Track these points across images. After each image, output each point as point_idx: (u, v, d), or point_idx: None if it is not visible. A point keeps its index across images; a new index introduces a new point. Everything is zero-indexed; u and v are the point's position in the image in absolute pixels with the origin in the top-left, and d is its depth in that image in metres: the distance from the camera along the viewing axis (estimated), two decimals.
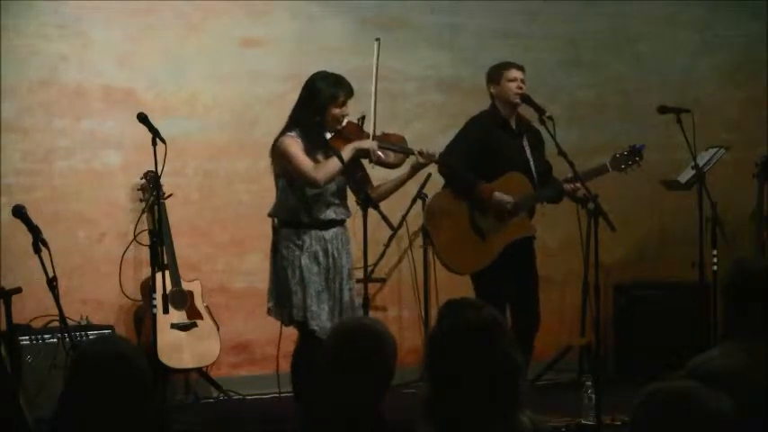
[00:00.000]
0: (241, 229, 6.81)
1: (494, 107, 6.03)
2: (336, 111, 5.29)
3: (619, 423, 5.51)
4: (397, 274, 7.20)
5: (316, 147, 5.29)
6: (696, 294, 6.40)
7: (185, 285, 6.35)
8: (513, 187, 5.91)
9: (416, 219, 6.92)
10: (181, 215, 6.57)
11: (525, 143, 6.01)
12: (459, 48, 7.31)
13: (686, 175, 6.51)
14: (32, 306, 5.92)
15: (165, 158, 4.97)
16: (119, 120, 6.53)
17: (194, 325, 6.33)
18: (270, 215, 5.42)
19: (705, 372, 3.05)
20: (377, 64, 5.47)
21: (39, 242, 4.52)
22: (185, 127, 6.68)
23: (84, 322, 6.17)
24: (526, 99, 5.90)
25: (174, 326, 6.24)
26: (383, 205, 5.37)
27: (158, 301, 5.20)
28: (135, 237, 5.76)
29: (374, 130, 5.36)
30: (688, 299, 6.83)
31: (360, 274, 5.47)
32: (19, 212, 4.64)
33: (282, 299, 5.30)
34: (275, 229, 5.39)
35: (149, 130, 5.10)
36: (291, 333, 5.42)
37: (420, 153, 5.38)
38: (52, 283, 4.51)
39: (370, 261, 5.73)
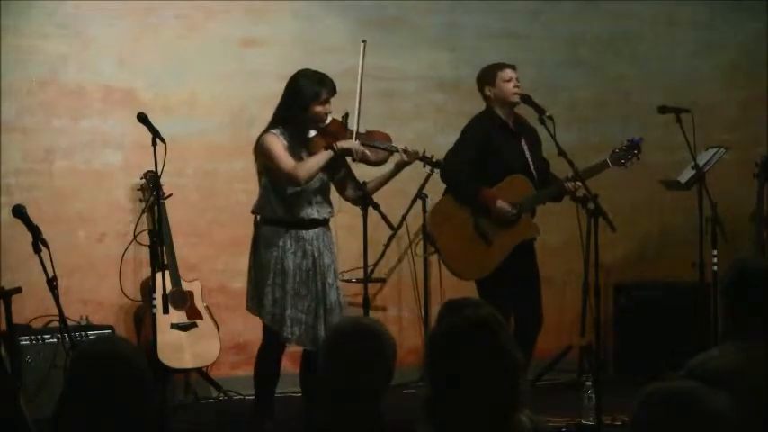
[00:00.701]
0: (241, 229, 6.78)
1: (491, 109, 6.02)
2: (319, 108, 5.31)
3: (619, 423, 5.51)
4: (397, 274, 7.20)
5: (299, 144, 5.32)
6: (696, 294, 6.41)
7: (185, 285, 6.35)
8: (516, 190, 5.92)
9: (416, 219, 6.92)
10: (181, 215, 6.57)
11: (524, 143, 6.02)
12: (459, 48, 7.31)
13: (686, 175, 6.51)
14: (32, 306, 5.92)
15: (165, 158, 4.98)
16: (119, 120, 6.53)
17: (194, 325, 6.33)
18: (252, 212, 5.44)
19: (705, 372, 3.05)
20: (362, 64, 5.50)
21: (39, 242, 4.52)
22: (185, 127, 6.67)
23: (84, 322, 6.17)
24: (526, 99, 5.90)
25: (174, 326, 6.24)
26: (383, 205, 5.37)
27: (158, 301, 5.20)
28: (135, 237, 5.77)
29: (357, 128, 5.37)
30: (688, 299, 6.83)
31: (360, 273, 5.48)
32: (19, 212, 4.64)
33: (257, 297, 5.33)
34: (257, 226, 5.41)
35: (149, 130, 5.10)
36: None
37: (404, 151, 5.39)
38: (52, 283, 4.51)
39: (370, 261, 5.74)
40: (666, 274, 7.33)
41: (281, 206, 5.31)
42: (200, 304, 6.39)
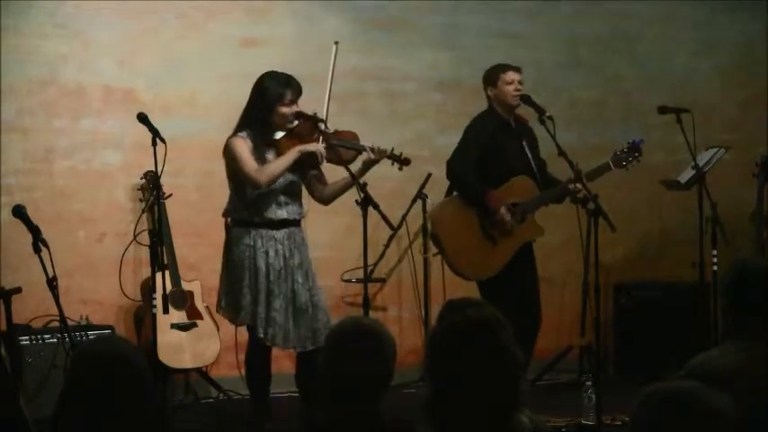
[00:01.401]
0: None
1: (492, 109, 6.03)
2: (285, 109, 5.33)
3: (619, 423, 5.51)
4: (397, 274, 7.20)
5: (266, 146, 5.34)
6: (696, 294, 6.41)
7: (185, 285, 6.35)
8: (520, 191, 5.94)
9: (416, 219, 6.92)
10: (181, 215, 6.57)
11: (524, 144, 6.03)
12: (459, 48, 7.31)
13: (686, 175, 6.51)
14: (32, 306, 5.92)
15: (164, 158, 4.98)
16: (119, 120, 6.53)
17: (194, 325, 6.33)
18: (223, 215, 5.45)
19: (705, 372, 3.05)
20: (333, 65, 5.50)
21: (39, 242, 4.52)
22: (185, 127, 6.67)
23: (84, 322, 6.16)
24: (526, 99, 5.91)
25: (174, 326, 6.24)
26: (383, 205, 5.37)
27: (158, 301, 5.20)
28: (135, 237, 5.77)
29: (325, 129, 5.37)
30: (688, 299, 6.83)
31: (360, 273, 5.47)
32: (19, 212, 4.64)
33: (232, 299, 5.34)
34: (228, 229, 5.42)
35: (149, 130, 5.10)
36: None
37: (371, 149, 5.40)
38: (52, 283, 4.51)
39: (370, 261, 5.74)
40: (666, 274, 7.33)
41: (250, 208, 5.34)
42: (200, 304, 6.39)
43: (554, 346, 7.02)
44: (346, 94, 6.92)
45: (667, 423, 2.25)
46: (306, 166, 5.42)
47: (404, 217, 6.82)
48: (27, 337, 5.93)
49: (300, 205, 5.46)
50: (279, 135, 5.39)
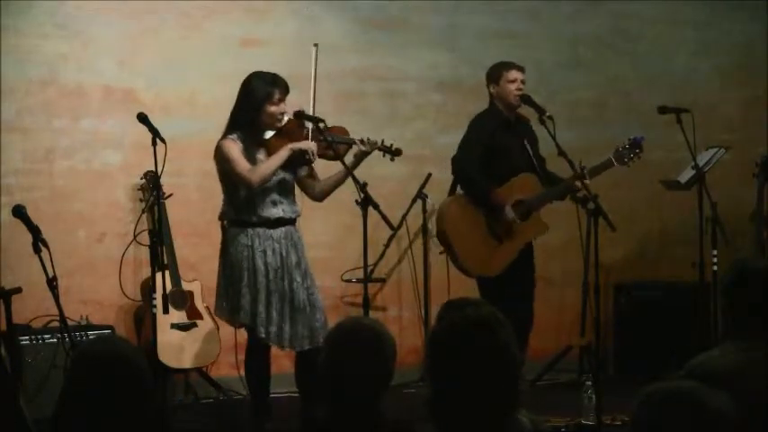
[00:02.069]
0: None
1: (494, 107, 6.04)
2: (273, 109, 5.33)
3: (619, 423, 5.51)
4: (397, 274, 7.20)
5: (256, 146, 5.34)
6: (696, 294, 6.41)
7: (185, 285, 6.35)
8: (525, 188, 5.97)
9: (416, 219, 6.92)
10: (181, 215, 6.56)
11: (526, 141, 6.05)
12: (459, 48, 7.31)
13: (686, 175, 6.52)
14: (32, 306, 5.92)
15: (165, 158, 4.98)
16: (119, 120, 6.53)
17: (194, 325, 6.33)
18: (219, 218, 5.45)
19: (705, 372, 3.04)
20: (315, 66, 5.49)
21: (39, 242, 4.52)
22: (185, 127, 6.67)
23: (84, 322, 6.16)
24: (526, 99, 5.93)
25: (174, 326, 6.24)
26: (383, 205, 5.37)
27: (158, 301, 5.21)
28: (135, 237, 5.77)
29: (314, 126, 5.36)
30: (688, 299, 6.83)
31: (360, 273, 5.47)
32: (19, 212, 4.64)
33: (231, 300, 5.33)
34: (224, 231, 5.43)
35: (149, 130, 5.10)
36: None
37: (362, 141, 5.40)
38: (52, 283, 4.51)
39: (370, 261, 5.74)
40: (666, 274, 7.33)
41: (245, 209, 5.34)
42: (200, 304, 6.39)
43: (554, 346, 7.03)
44: (346, 94, 6.93)
45: (667, 423, 2.25)
46: (298, 164, 5.42)
47: (404, 217, 6.82)
48: (27, 337, 5.93)
49: (295, 204, 5.46)
50: (269, 135, 5.38)
